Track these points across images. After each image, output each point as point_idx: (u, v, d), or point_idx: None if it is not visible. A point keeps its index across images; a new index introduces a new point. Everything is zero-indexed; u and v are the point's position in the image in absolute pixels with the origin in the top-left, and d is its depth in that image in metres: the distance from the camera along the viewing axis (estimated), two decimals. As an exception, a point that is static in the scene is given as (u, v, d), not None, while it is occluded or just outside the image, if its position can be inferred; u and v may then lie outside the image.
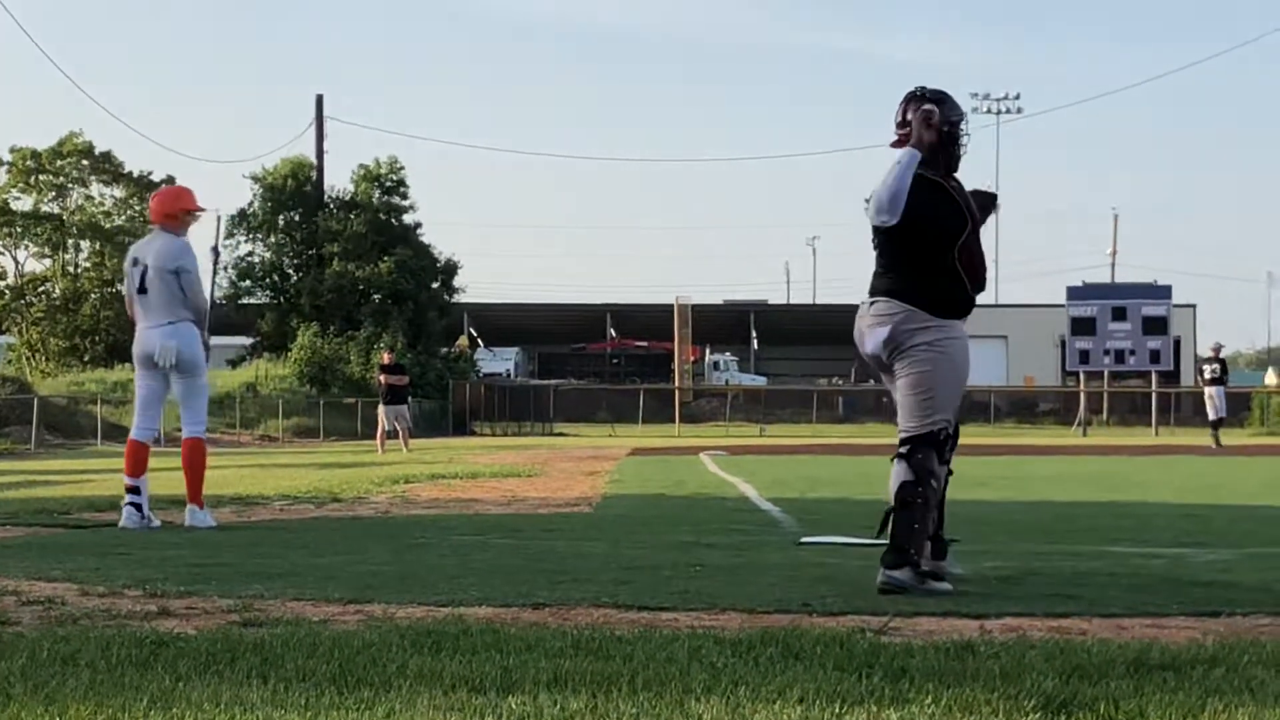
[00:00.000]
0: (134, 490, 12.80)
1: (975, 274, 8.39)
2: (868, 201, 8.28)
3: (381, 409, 38.49)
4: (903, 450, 8.17)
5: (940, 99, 8.44)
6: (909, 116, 8.36)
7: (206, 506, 13.10)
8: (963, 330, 8.40)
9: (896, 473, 8.18)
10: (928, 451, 8.15)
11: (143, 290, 13.02)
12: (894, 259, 8.31)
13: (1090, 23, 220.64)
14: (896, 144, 8.40)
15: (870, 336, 8.35)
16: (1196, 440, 43.86)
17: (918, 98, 8.44)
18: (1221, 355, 42.99)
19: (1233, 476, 22.92)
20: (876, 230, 8.28)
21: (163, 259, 12.98)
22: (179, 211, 13.31)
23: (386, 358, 40.40)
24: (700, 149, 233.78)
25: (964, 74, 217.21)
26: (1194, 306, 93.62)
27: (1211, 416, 41.56)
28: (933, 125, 8.32)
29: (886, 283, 8.34)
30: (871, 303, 8.36)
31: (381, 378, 39.22)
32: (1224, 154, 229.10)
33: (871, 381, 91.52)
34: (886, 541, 8.08)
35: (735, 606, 7.11)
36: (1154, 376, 63.61)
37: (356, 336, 67.56)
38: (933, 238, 8.23)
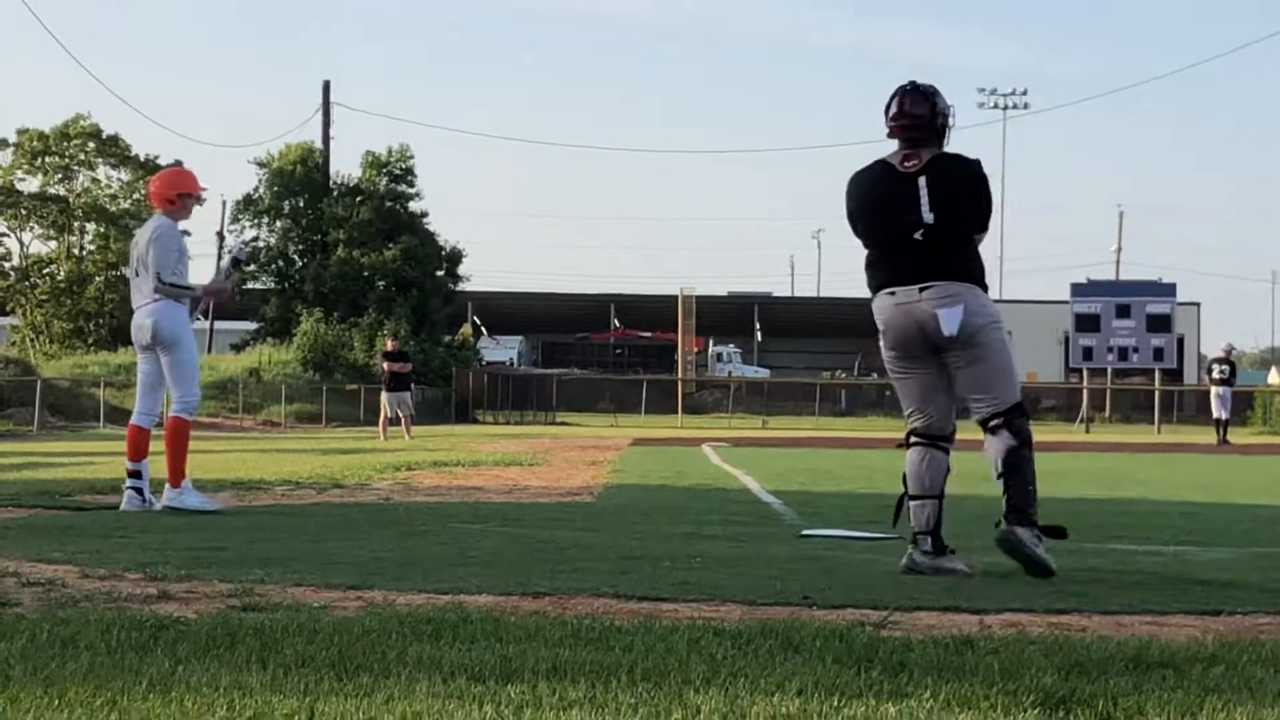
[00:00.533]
0: (135, 474, 12.78)
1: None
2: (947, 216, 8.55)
3: (384, 396, 38.50)
4: (997, 422, 8.55)
5: (939, 94, 8.80)
6: (907, 108, 8.67)
7: (206, 491, 13.07)
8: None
9: (999, 442, 8.55)
10: (1023, 418, 8.63)
11: (137, 274, 12.97)
12: (956, 248, 8.60)
13: (1098, 20, 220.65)
14: (892, 135, 8.75)
15: (945, 318, 8.48)
16: (1199, 438, 43.89)
17: (914, 91, 8.74)
18: (1232, 358, 43.05)
19: (1234, 475, 22.91)
20: (931, 230, 8.53)
21: (146, 240, 12.97)
22: (176, 195, 13.21)
23: (390, 345, 40.39)
24: (708, 141, 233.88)
25: (971, 70, 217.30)
26: (1198, 305, 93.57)
27: (1218, 414, 41.61)
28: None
29: (940, 269, 8.54)
30: (924, 287, 8.52)
31: (385, 365, 39.23)
32: (1230, 153, 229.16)
33: (875, 375, 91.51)
34: (892, 536, 8.15)
35: (735, 598, 7.10)
36: (1157, 374, 63.64)
37: (360, 323, 67.61)
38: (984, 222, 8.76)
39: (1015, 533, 8.27)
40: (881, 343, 8.85)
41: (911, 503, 8.75)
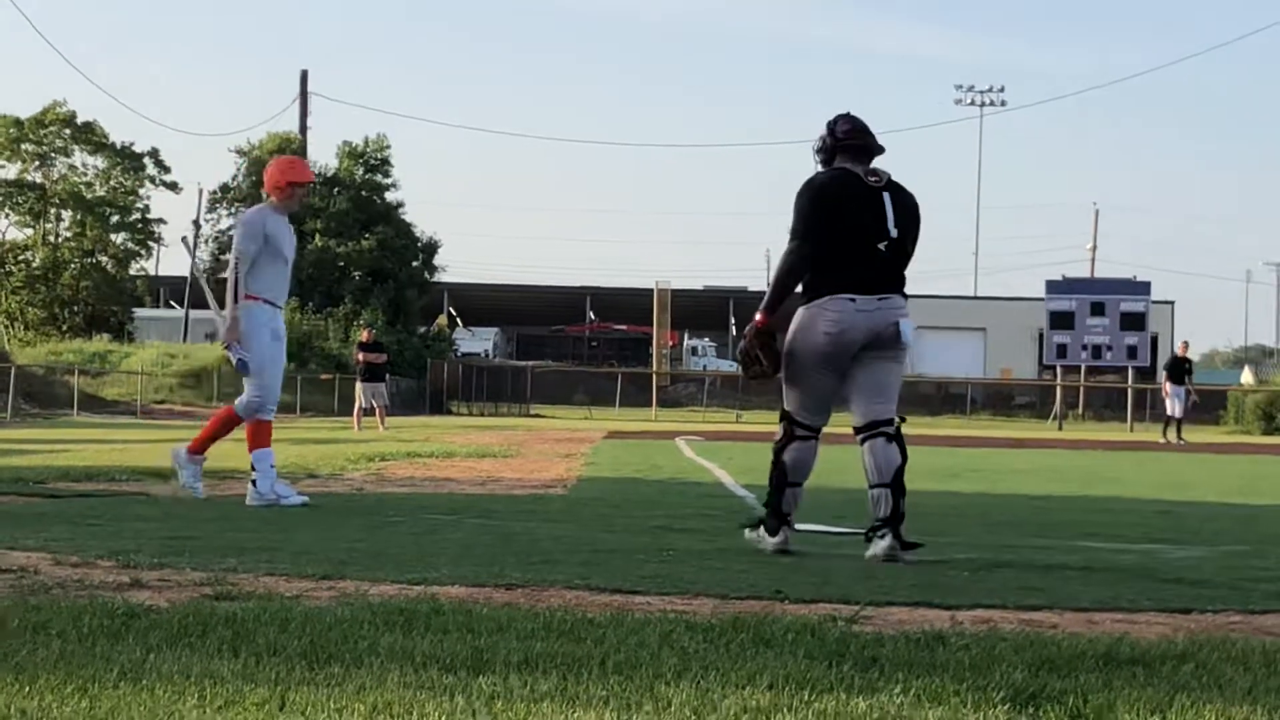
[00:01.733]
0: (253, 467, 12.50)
1: None
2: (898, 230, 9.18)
3: (359, 386, 38.49)
4: (891, 432, 9.13)
5: None
6: (860, 127, 9.35)
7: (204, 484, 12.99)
8: None
9: (893, 453, 9.10)
10: (900, 432, 9.22)
11: None
12: (902, 265, 9.27)
13: (1075, 18, 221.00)
14: (845, 149, 9.30)
15: (905, 328, 9.15)
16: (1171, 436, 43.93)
17: (856, 117, 9.43)
18: (1187, 354, 43.21)
19: (1206, 474, 22.98)
20: (894, 245, 9.15)
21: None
22: (287, 183, 12.69)
23: (366, 335, 40.38)
24: (685, 134, 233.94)
25: (948, 66, 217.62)
26: (1172, 303, 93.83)
27: (1171, 412, 41.76)
28: None
29: (895, 282, 9.19)
30: (882, 298, 9.09)
31: (360, 355, 39.20)
32: (1206, 152, 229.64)
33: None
34: (856, 530, 8.32)
35: (707, 592, 7.11)
36: (1130, 372, 63.74)
37: (335, 313, 67.53)
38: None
39: (896, 550, 8.87)
40: (810, 342, 9.20)
41: (790, 490, 9.44)
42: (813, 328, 9.14)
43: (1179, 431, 41.64)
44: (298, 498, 12.30)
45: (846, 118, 9.33)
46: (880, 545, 8.89)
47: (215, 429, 12.61)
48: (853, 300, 9.01)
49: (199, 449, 12.60)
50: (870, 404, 9.23)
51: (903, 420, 9.28)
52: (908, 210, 9.20)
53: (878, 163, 9.35)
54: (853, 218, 9.06)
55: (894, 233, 9.07)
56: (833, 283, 9.05)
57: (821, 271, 9.10)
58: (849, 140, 9.24)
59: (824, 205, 9.10)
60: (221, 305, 12.54)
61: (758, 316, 9.38)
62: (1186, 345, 43.90)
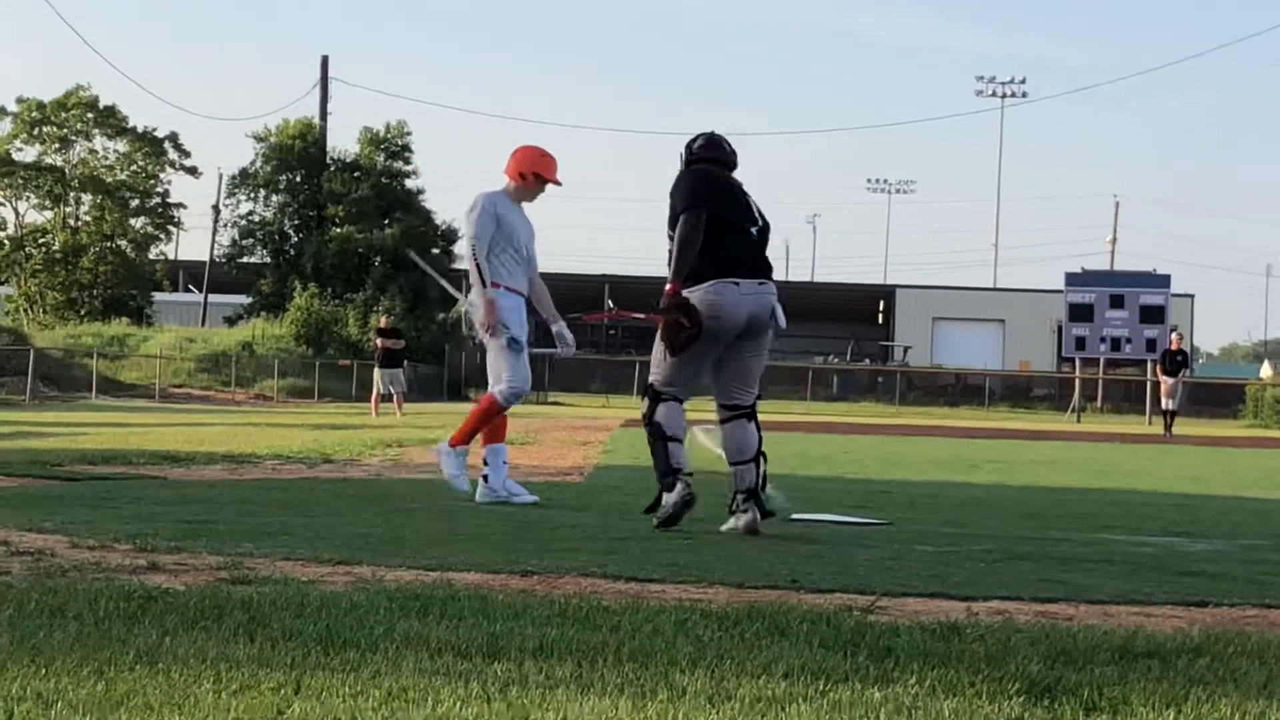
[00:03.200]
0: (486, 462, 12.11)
1: None
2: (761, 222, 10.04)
3: (377, 372, 38.54)
4: (749, 413, 9.91)
5: None
6: (728, 149, 10.20)
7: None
8: None
9: (753, 431, 9.93)
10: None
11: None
12: (765, 251, 10.05)
13: (1097, 10, 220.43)
14: (705, 160, 10.12)
15: (780, 312, 9.89)
16: (1190, 430, 43.88)
17: (722, 137, 10.28)
18: (1182, 346, 43.20)
19: (1223, 468, 22.94)
20: (762, 232, 10.01)
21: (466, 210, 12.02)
22: (531, 173, 11.91)
23: (384, 322, 40.45)
24: (705, 124, 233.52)
25: (969, 57, 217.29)
26: (1192, 297, 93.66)
27: (1165, 405, 41.72)
28: None
29: (768, 268, 9.96)
30: (761, 282, 9.84)
31: (378, 341, 39.23)
32: (1228, 146, 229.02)
33: (867, 361, 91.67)
34: (881, 521, 8.54)
35: (723, 580, 7.11)
36: (1149, 365, 63.59)
37: (355, 299, 67.56)
38: None
39: (757, 521, 9.64)
40: (707, 321, 9.67)
41: (672, 444, 9.98)
42: (701, 309, 9.65)
43: (1169, 424, 41.57)
44: (529, 496, 11.87)
45: (706, 136, 10.20)
46: (744, 519, 9.64)
47: (477, 420, 12.00)
48: (737, 284, 9.68)
49: (462, 441, 12.12)
50: (735, 390, 9.93)
51: (759, 397, 10.08)
52: (757, 206, 10.05)
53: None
54: (726, 206, 9.83)
55: (761, 222, 9.93)
56: (716, 267, 9.67)
57: (704, 255, 9.66)
58: (706, 154, 10.08)
59: (703, 188, 9.86)
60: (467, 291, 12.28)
61: (669, 286, 9.78)
62: (1180, 337, 43.83)
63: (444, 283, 14.97)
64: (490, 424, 12.10)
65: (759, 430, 9.96)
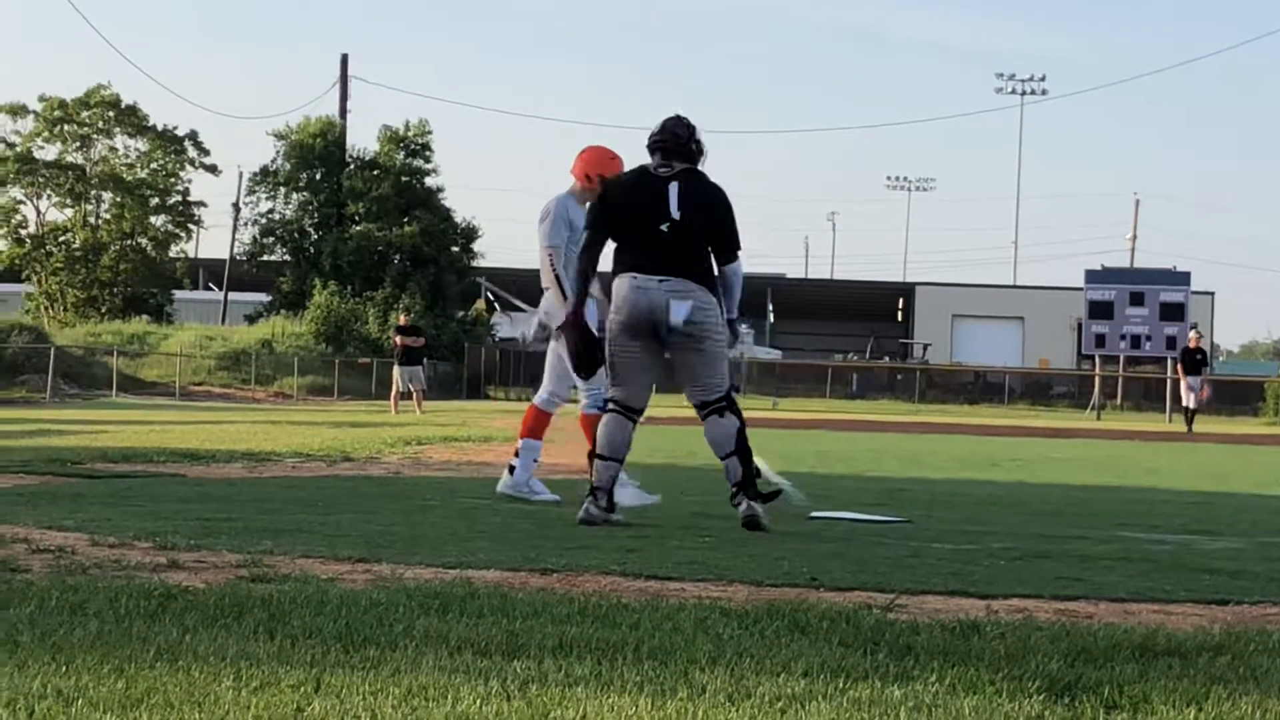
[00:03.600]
0: (518, 453, 11.92)
1: None
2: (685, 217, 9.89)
3: (396, 370, 38.56)
4: (720, 406, 9.97)
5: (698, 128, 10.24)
6: (670, 128, 10.07)
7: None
8: None
9: (726, 424, 9.95)
10: (735, 403, 10.10)
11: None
12: (695, 252, 9.95)
13: (1118, 6, 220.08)
14: (652, 151, 10.08)
15: (675, 308, 9.81)
16: (1211, 428, 43.78)
17: (677, 119, 10.16)
18: (1201, 344, 43.08)
19: (1243, 465, 22.89)
20: (676, 227, 9.87)
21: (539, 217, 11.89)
22: (597, 175, 11.53)
23: (403, 319, 40.49)
24: (725, 121, 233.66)
25: (989, 54, 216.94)
26: (1212, 294, 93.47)
27: (1186, 403, 41.61)
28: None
29: (681, 264, 9.89)
30: (663, 279, 9.85)
31: (397, 339, 39.27)
32: (1248, 143, 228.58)
33: (887, 359, 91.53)
34: (901, 519, 8.61)
35: (742, 578, 7.11)
36: (1169, 363, 63.45)
37: (374, 297, 67.62)
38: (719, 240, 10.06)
39: (755, 510, 9.70)
40: (612, 319, 10.06)
41: (599, 461, 10.03)
42: (611, 304, 10.10)
43: (1189, 422, 41.48)
44: (550, 495, 11.70)
45: (660, 124, 10.13)
46: (741, 513, 9.75)
47: (590, 436, 11.73)
48: (635, 278, 9.89)
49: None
50: (691, 389, 10.11)
51: (736, 390, 10.10)
52: (698, 197, 9.92)
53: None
54: (634, 207, 9.96)
55: (675, 215, 9.82)
56: (621, 263, 10.03)
57: (615, 254, 10.11)
58: (652, 142, 10.06)
59: (607, 200, 10.20)
60: (534, 304, 12.19)
61: (572, 315, 10.29)
62: (1200, 336, 43.71)
63: (522, 305, 14.93)
64: (538, 422, 12.06)
65: (739, 421, 9.99)
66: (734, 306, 10.10)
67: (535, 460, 11.89)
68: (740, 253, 10.14)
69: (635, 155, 10.40)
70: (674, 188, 9.87)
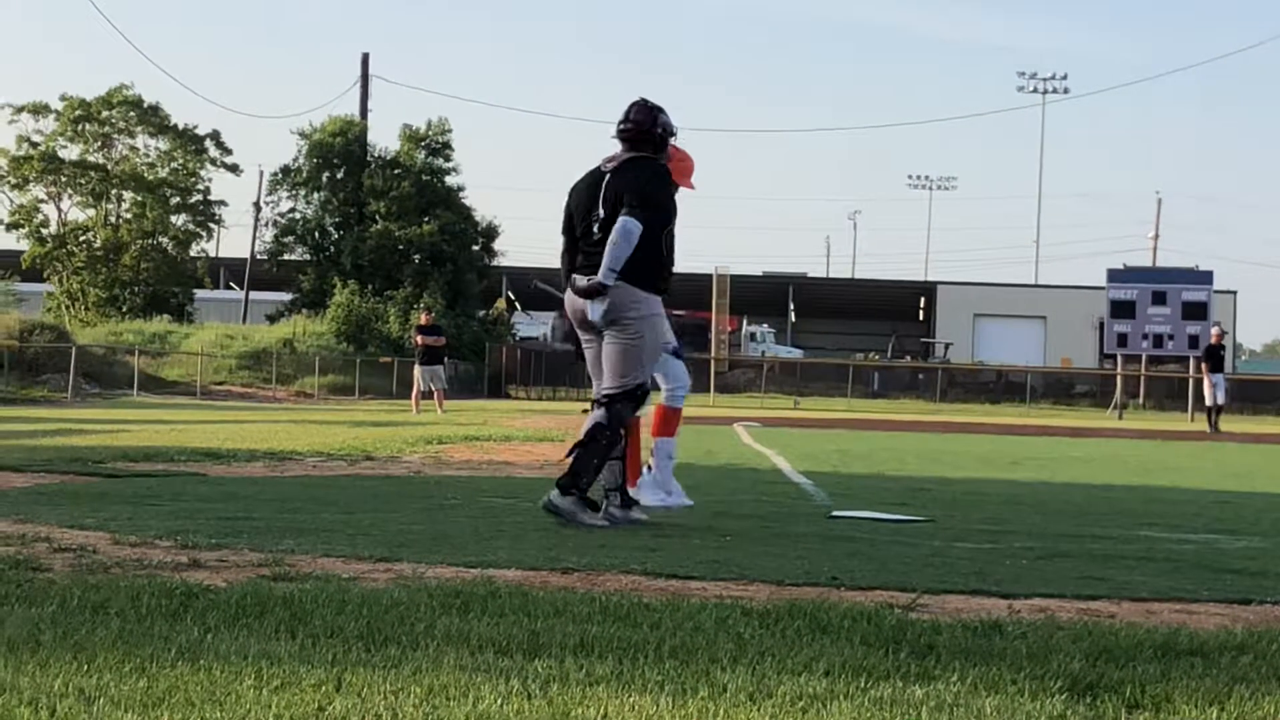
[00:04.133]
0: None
1: (672, 259, 10.07)
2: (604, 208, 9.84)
3: (417, 369, 38.58)
4: (604, 401, 9.90)
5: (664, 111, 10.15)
6: (632, 115, 9.97)
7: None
8: (660, 305, 10.14)
9: (594, 416, 9.91)
10: (626, 404, 9.96)
11: None
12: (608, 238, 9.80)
13: (1140, 4, 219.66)
14: (618, 138, 10.04)
15: (592, 308, 9.86)
16: (1232, 427, 43.64)
17: (642, 104, 10.06)
18: (1223, 342, 42.97)
19: (1265, 465, 22.84)
20: (604, 223, 9.80)
21: None
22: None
23: (424, 319, 40.45)
24: (746, 120, 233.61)
25: (1011, 53, 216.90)
26: (1235, 293, 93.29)
27: (1211, 402, 41.49)
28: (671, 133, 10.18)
29: (596, 261, 9.82)
30: (590, 278, 9.83)
31: (418, 338, 39.29)
32: (1271, 141, 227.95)
33: (908, 358, 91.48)
34: (922, 519, 9.29)
35: (764, 578, 7.10)
36: (1192, 362, 63.32)
37: (395, 296, 67.68)
38: (658, 223, 9.81)
39: (554, 502, 9.70)
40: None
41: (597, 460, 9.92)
42: None
43: (1211, 420, 41.39)
44: (685, 500, 11.32)
45: (624, 111, 10.07)
46: (550, 495, 9.81)
47: (658, 427, 11.74)
48: (573, 279, 10.03)
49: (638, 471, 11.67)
50: (596, 382, 10.14)
51: (644, 390, 10.13)
52: (623, 185, 9.77)
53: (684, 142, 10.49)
54: (577, 208, 10.07)
55: (601, 212, 9.82)
56: (565, 267, 10.20)
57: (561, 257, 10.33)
58: (618, 132, 10.08)
59: (567, 204, 10.22)
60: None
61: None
62: (1223, 332, 43.61)
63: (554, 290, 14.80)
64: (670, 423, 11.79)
65: (605, 422, 9.86)
66: (607, 264, 9.67)
67: (671, 456, 11.67)
68: (635, 212, 9.64)
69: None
70: (605, 183, 9.90)
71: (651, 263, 9.82)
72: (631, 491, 10.73)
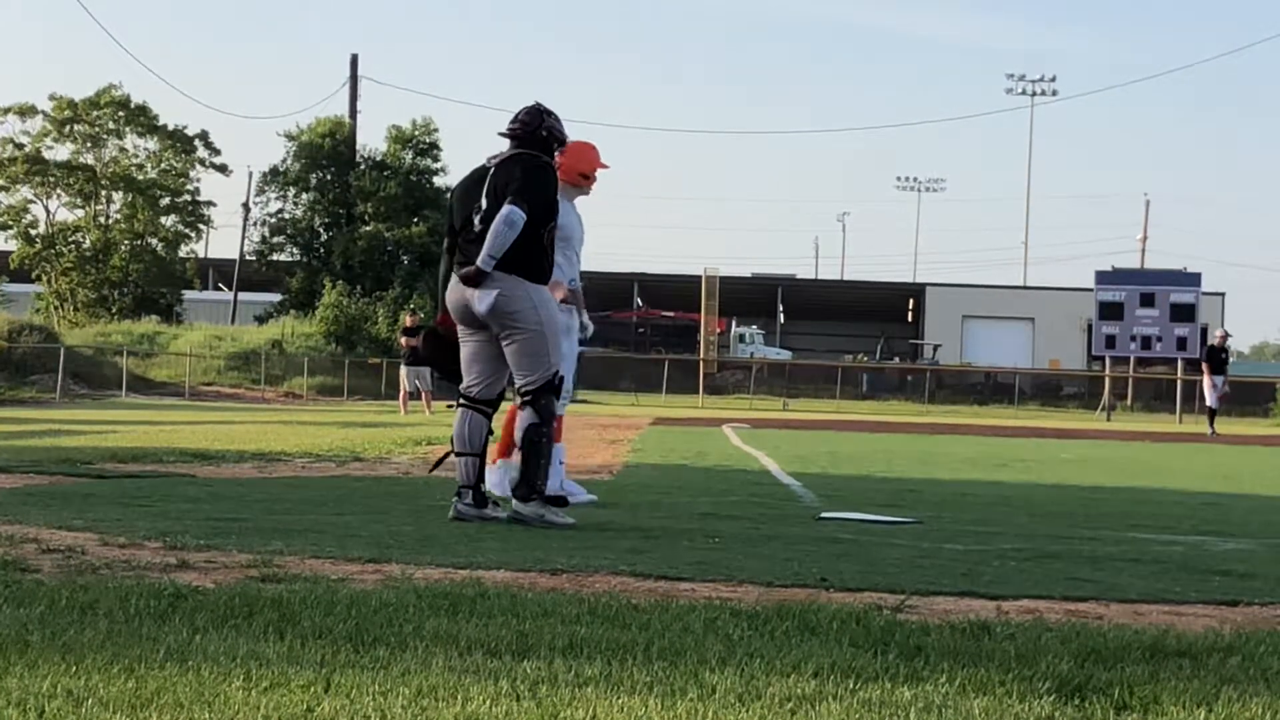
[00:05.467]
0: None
1: (553, 246, 10.13)
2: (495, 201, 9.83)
3: (403, 371, 38.61)
4: (527, 399, 9.93)
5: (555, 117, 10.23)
6: (520, 116, 10.04)
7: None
8: (549, 293, 10.09)
9: (523, 418, 9.94)
10: (550, 397, 9.96)
11: None
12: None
13: (1128, 6, 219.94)
14: (511, 136, 10.07)
15: (477, 298, 9.84)
16: (1222, 429, 43.65)
17: (534, 108, 10.12)
18: (1226, 344, 42.99)
19: (1255, 466, 22.87)
20: (485, 216, 9.86)
21: None
22: (574, 173, 11.53)
23: (409, 320, 40.45)
24: (733, 121, 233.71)
25: (999, 55, 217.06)
26: (1223, 295, 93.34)
27: (1211, 404, 41.53)
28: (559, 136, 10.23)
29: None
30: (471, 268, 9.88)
31: (403, 339, 39.30)
32: (1259, 143, 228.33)
33: (897, 360, 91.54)
34: (911, 520, 8.51)
35: (752, 579, 7.10)
36: (1180, 364, 63.41)
37: (385, 297, 67.66)
38: (540, 218, 9.83)
39: (520, 513, 9.70)
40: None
41: (456, 458, 10.11)
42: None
43: (1212, 422, 41.44)
44: (587, 496, 11.73)
45: (514, 113, 10.15)
46: (514, 507, 9.85)
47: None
48: (455, 270, 10.08)
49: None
50: (468, 377, 10.26)
51: (557, 379, 10.04)
52: (503, 179, 9.83)
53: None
54: (461, 203, 10.24)
55: (484, 203, 9.88)
56: (447, 263, 10.31)
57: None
58: (505, 131, 10.14)
59: (450, 200, 10.60)
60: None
61: (436, 320, 10.62)
62: (1227, 335, 43.66)
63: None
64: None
65: (537, 418, 9.92)
66: (485, 252, 9.69)
67: (561, 462, 11.77)
68: (518, 201, 9.64)
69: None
70: (490, 175, 9.98)
71: (535, 254, 9.86)
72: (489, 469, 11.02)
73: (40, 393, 42.32)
